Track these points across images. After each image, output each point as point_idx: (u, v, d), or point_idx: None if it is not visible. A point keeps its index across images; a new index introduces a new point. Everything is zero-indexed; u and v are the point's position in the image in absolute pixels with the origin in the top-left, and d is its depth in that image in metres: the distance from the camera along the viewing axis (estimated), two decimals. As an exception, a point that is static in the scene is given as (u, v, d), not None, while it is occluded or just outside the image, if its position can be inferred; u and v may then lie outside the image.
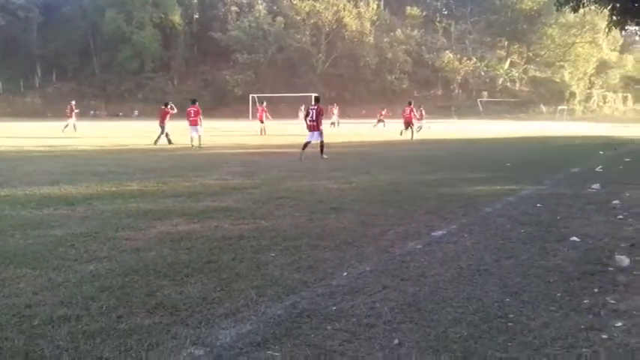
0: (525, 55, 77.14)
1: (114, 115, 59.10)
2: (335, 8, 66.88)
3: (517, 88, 72.86)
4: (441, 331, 3.16)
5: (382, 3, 76.01)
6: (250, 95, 53.72)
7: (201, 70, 69.87)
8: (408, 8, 75.20)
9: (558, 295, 3.77)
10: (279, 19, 66.88)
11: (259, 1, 69.52)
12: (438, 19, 76.92)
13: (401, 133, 24.02)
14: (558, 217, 6.38)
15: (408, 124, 23.89)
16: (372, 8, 71.02)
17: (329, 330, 3.17)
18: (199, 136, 18.30)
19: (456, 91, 70.70)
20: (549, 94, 70.65)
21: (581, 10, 18.21)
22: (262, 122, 26.12)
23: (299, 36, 66.23)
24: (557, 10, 20.03)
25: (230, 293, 3.77)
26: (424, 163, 12.82)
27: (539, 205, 7.20)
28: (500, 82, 72.05)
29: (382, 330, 3.18)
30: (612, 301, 3.66)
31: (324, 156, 14.14)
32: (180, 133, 19.54)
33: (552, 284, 3.99)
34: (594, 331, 3.17)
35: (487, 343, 3.00)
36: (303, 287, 3.91)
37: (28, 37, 66.59)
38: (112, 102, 63.96)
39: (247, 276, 4.14)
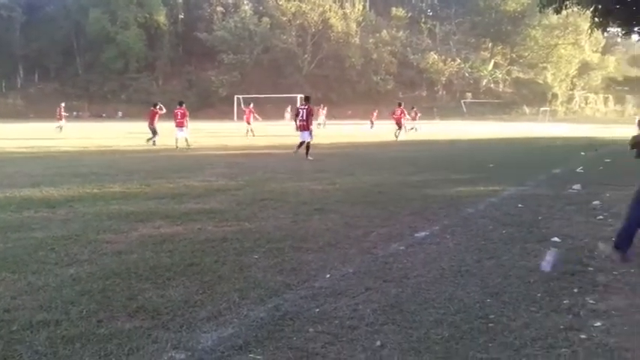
0: (509, 57, 77.88)
1: (97, 116, 58.51)
2: (321, 9, 66.98)
3: (500, 90, 73.54)
4: (422, 332, 3.18)
5: (368, 4, 76.29)
6: (235, 96, 53.52)
7: (186, 70, 69.51)
8: (394, 9, 75.59)
9: (538, 295, 3.81)
10: (265, 19, 66.79)
11: (245, 2, 69.36)
12: (423, 20, 77.41)
13: (400, 135, 24.21)
14: (539, 218, 6.45)
15: (399, 124, 24.30)
16: (358, 9, 71.27)
17: (311, 332, 3.17)
18: (186, 138, 18.33)
19: (441, 92, 71.18)
20: (532, 96, 71.45)
21: (564, 12, 18.43)
22: (249, 124, 26.05)
23: (285, 37, 66.20)
24: (540, 12, 20.27)
25: (212, 296, 3.75)
26: (408, 164, 12.88)
27: (520, 205, 7.28)
28: (484, 84, 72.67)
29: (364, 332, 3.19)
30: (591, 301, 3.71)
31: (309, 157, 14.18)
32: (166, 134, 19.42)
33: (533, 284, 4.04)
34: (574, 331, 3.21)
35: (468, 344, 3.03)
36: (285, 289, 3.91)
37: (10, 36, 65.71)
38: (95, 103, 63.31)
39: (230, 279, 4.13)
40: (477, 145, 21.36)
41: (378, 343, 3.04)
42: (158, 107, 19.73)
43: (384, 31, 70.95)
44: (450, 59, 70.56)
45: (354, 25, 69.31)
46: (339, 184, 9.52)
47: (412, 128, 29.00)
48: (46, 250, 4.91)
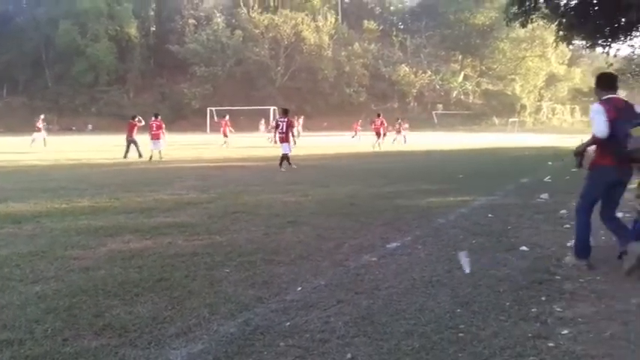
0: (478, 69, 79.39)
1: (67, 130, 57.41)
2: (293, 22, 67.29)
3: (470, 101, 74.78)
4: (393, 343, 3.19)
5: (340, 17, 77.04)
6: (208, 108, 53.27)
7: (158, 83, 68.89)
8: (365, 22, 76.44)
9: (507, 304, 3.86)
10: (238, 32, 66.77)
11: (217, 15, 69.24)
12: (394, 33, 78.44)
13: (379, 146, 24.86)
14: (509, 227, 6.55)
15: (379, 134, 24.95)
16: (330, 22, 71.84)
17: (282, 347, 3.15)
18: (159, 151, 18.31)
19: (412, 103, 72.03)
20: (501, 107, 72.88)
21: (530, 26, 18.87)
22: (226, 136, 26.04)
23: (257, 49, 66.25)
24: (507, 26, 20.71)
25: (182, 312, 3.70)
26: (381, 176, 12.96)
27: (490, 215, 7.38)
28: (454, 95, 73.82)
29: (336, 345, 3.18)
30: (559, 309, 3.77)
31: (282, 169, 14.30)
32: (142, 146, 19.21)
33: (502, 294, 4.09)
34: (541, 340, 3.25)
35: (438, 355, 3.05)
36: (257, 303, 3.88)
37: (-23, 48, 64.27)
38: (65, 116, 62.11)
39: (200, 293, 4.08)
40: (448, 156, 21.64)
41: (349, 355, 3.04)
42: (137, 120, 19.57)
43: (356, 43, 71.66)
44: (421, 71, 71.58)
45: (326, 38, 69.80)
46: (312, 195, 9.53)
47: (395, 139, 29.85)
48: (11, 266, 4.78)
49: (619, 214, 7.15)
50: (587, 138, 4.93)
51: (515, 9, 16.01)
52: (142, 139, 19.71)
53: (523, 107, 74.38)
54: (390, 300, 3.97)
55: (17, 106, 60.51)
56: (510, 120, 65.06)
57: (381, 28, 77.51)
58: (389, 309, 3.78)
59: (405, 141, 30.78)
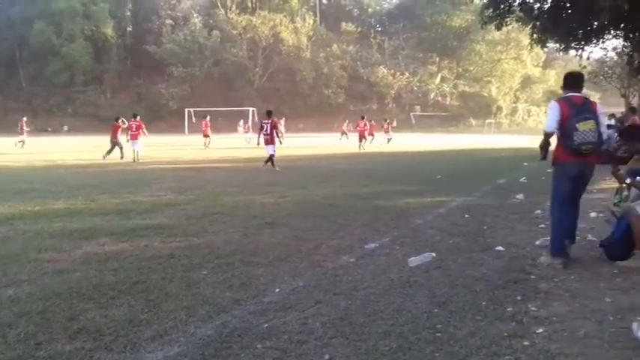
0: (455, 71, 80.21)
1: (42, 131, 56.36)
2: (272, 23, 67.14)
3: (448, 103, 75.47)
4: (371, 344, 3.20)
5: (318, 19, 77.12)
6: (186, 109, 52.85)
7: (134, 83, 68.11)
8: (344, 24, 76.65)
9: (484, 304, 3.90)
10: (216, 32, 66.37)
11: (195, 15, 68.76)
12: (373, 35, 78.79)
13: (363, 147, 25.43)
14: (485, 227, 6.63)
15: (362, 136, 25.63)
16: (309, 24, 71.88)
17: (259, 349, 3.14)
18: (137, 151, 18.29)
19: (391, 105, 72.38)
20: (478, 108, 73.73)
21: (506, 28, 19.16)
22: (207, 136, 25.99)
23: (235, 50, 65.93)
24: (482, 28, 20.98)
25: (158, 315, 3.66)
26: (360, 177, 13.01)
27: (467, 215, 7.46)
28: (432, 97, 74.42)
29: (313, 346, 3.18)
30: (534, 309, 3.82)
31: (264, 168, 14.44)
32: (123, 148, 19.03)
33: (478, 293, 4.13)
34: (517, 339, 3.29)
35: (416, 355, 3.07)
36: (234, 305, 3.86)
37: (-51, 48, 62.81)
38: (40, 117, 60.89)
39: (177, 296, 4.04)
40: (425, 157, 21.81)
41: (327, 356, 3.04)
42: (120, 121, 19.44)
43: (335, 45, 71.79)
44: (399, 73, 72.02)
45: (304, 40, 69.81)
46: (291, 196, 9.52)
47: (390, 140, 31.34)
48: (-18, 271, 4.68)
49: (592, 214, 7.32)
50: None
51: (490, 12, 16.23)
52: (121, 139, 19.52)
53: (499, 109, 75.40)
54: (368, 301, 3.98)
55: (-10, 107, 59.31)
56: (487, 121, 65.86)
57: (359, 30, 77.78)
58: (367, 309, 3.79)
59: (388, 141, 31.45)
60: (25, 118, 28.80)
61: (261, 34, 66.52)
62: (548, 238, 5.23)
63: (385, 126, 32.79)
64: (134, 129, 18.82)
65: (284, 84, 67.67)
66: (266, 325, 3.50)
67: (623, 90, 29.33)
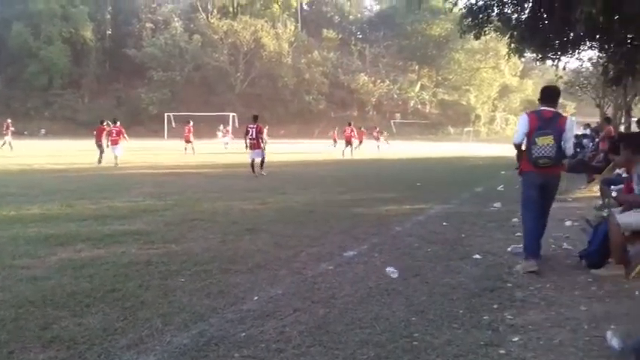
0: (435, 79, 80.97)
1: (19, 134, 55.38)
2: (253, 28, 67.08)
3: (427, 111, 76.15)
4: (349, 352, 3.20)
5: (300, 25, 77.28)
6: (166, 114, 52.42)
7: (114, 87, 67.34)
8: (325, 31, 76.92)
9: (461, 312, 3.93)
10: (196, 37, 66.07)
11: (175, 19, 68.39)
12: (353, 42, 79.28)
13: (350, 153, 25.56)
14: (463, 235, 6.69)
15: (349, 142, 25.95)
16: (290, 30, 72.01)
17: (237, 357, 3.12)
18: (117, 156, 18.24)
19: (371, 112, 72.78)
20: (457, 117, 74.55)
21: (484, 38, 19.38)
22: (190, 142, 25.85)
23: (217, 55, 65.71)
24: (461, 37, 21.24)
25: (134, 323, 3.61)
26: (339, 184, 13.04)
27: (445, 223, 7.52)
28: (411, 105, 75.02)
29: (291, 355, 3.17)
30: (510, 317, 3.86)
31: (263, 172, 14.71)
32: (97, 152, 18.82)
33: (455, 301, 4.16)
34: (493, 347, 3.32)
35: (393, 363, 3.07)
36: (212, 313, 3.83)
37: None
38: (17, 120, 59.35)
39: (153, 304, 4.00)
40: (405, 165, 21.96)
41: (305, 365, 3.03)
42: (105, 124, 19.29)
43: (316, 51, 72.02)
44: (379, 81, 72.52)
45: (286, 45, 69.88)
46: (271, 203, 9.50)
47: (386, 145, 33.31)
48: (-48, 278, 4.57)
49: (567, 223, 7.43)
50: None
51: (468, 21, 16.43)
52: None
53: (478, 117, 76.35)
54: (346, 309, 3.98)
55: (-35, 109, 58.00)
56: (465, 129, 66.61)
57: (340, 37, 78.15)
58: (345, 318, 3.79)
59: (378, 149, 32.54)
60: (9, 120, 28.56)
61: (242, 39, 66.42)
62: (520, 245, 5.40)
63: (375, 133, 33.93)
64: (114, 134, 18.77)
65: (265, 89, 67.59)
66: (244, 333, 3.48)
67: (598, 100, 29.91)
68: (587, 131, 19.59)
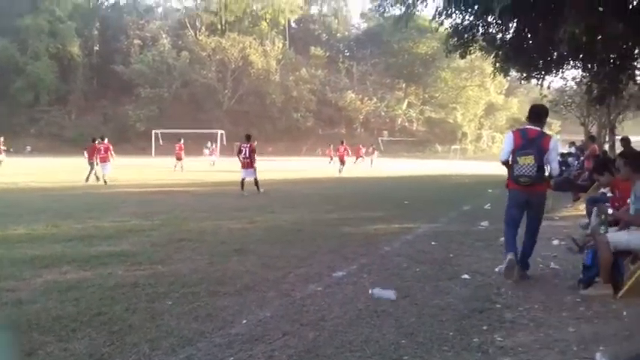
0: (421, 97, 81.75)
1: (4, 151, 54.84)
2: (241, 45, 67.45)
3: (415, 128, 76.73)
4: (338, 377, 3.18)
5: (287, 42, 77.84)
6: (153, 131, 52.31)
7: (101, 104, 67.11)
8: (312, 48, 77.56)
9: (450, 334, 3.92)
10: (184, 53, 66.25)
11: (164, 36, 68.57)
12: (341, 60, 79.95)
13: (339, 171, 25.99)
14: (451, 255, 6.70)
15: (342, 161, 26.68)
16: (278, 47, 72.47)
17: (225, 383, 3.08)
18: (105, 174, 18.18)
19: (359, 129, 73.19)
20: (444, 134, 75.21)
21: (470, 57, 19.65)
22: (180, 159, 25.93)
23: (205, 72, 65.89)
24: (447, 57, 21.52)
25: (121, 348, 3.56)
26: (327, 202, 13.04)
27: (433, 243, 7.53)
28: (399, 122, 75.57)
29: (280, 380, 3.14)
30: (499, 339, 3.86)
31: (261, 190, 14.77)
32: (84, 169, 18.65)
33: (445, 323, 4.16)
34: (482, 369, 3.32)
35: (383, 388, 3.05)
36: (200, 338, 3.78)
37: None
38: (3, 136, 59.28)
39: (141, 328, 3.94)
40: (393, 182, 22.03)
41: (294, 391, 3.00)
42: (97, 142, 19.25)
43: (304, 69, 72.49)
44: (366, 98, 73.07)
45: (274, 63, 70.29)
46: (259, 222, 9.46)
47: (371, 161, 34.12)
48: None
49: (555, 242, 7.48)
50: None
51: (454, 41, 16.65)
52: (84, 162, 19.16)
53: (464, 135, 77.06)
54: (336, 331, 3.96)
55: (-52, 126, 57.37)
56: (452, 147, 67.17)
57: (327, 54, 78.82)
58: (334, 341, 3.76)
59: (371, 164, 34.03)
60: (2, 138, 28.37)
61: (230, 56, 66.72)
62: (505, 266, 5.44)
63: (370, 150, 35.97)
64: (102, 151, 18.68)
65: (253, 106, 67.77)
66: (232, 358, 3.44)
67: (583, 119, 30.33)
68: (573, 149, 19.83)
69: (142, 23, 71.32)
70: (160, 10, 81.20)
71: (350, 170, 27.96)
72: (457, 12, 14.18)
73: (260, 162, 15.67)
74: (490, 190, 16.21)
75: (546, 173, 5.45)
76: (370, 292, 4.91)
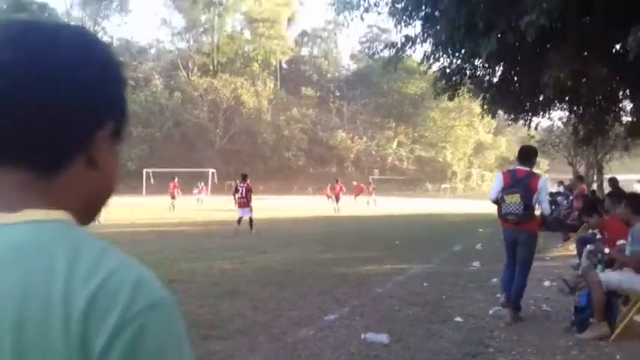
0: (411, 136, 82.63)
1: None
2: (233, 86, 68.25)
3: (405, 167, 77.27)
4: None
5: (279, 83, 78.93)
6: (144, 170, 52.28)
7: (91, 143, 67.20)
8: (303, 89, 78.65)
9: (444, 379, 3.90)
10: (177, 94, 66.86)
11: (156, 76, 69.29)
12: (332, 100, 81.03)
13: (336, 210, 26.33)
14: (443, 297, 6.68)
15: (338, 198, 27.08)
16: (269, 87, 73.41)
17: None
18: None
19: (350, 168, 73.59)
20: (434, 173, 75.74)
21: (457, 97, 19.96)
22: (174, 198, 26.00)
23: (197, 111, 66.39)
24: (436, 99, 21.87)
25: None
26: (318, 242, 13.00)
27: (425, 284, 7.52)
28: (389, 161, 76.15)
29: None
30: (492, 383, 3.84)
31: (253, 231, 14.78)
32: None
33: (438, 368, 4.13)
34: (477, 415, 3.29)
35: None
36: (191, 384, 3.72)
37: None
38: None
39: (130, 374, 3.87)
40: (384, 221, 22.04)
41: None
42: None
43: (295, 109, 73.31)
44: (357, 137, 73.77)
45: (265, 103, 71.04)
46: (250, 262, 9.42)
47: (372, 201, 34.12)
48: None
49: (546, 283, 7.50)
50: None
51: (442, 84, 16.95)
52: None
53: (454, 174, 77.65)
54: (329, 377, 3.92)
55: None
56: (442, 186, 67.52)
57: (318, 94, 79.82)
58: (327, 387, 3.73)
59: (368, 204, 34.04)
60: None
61: (222, 96, 67.41)
62: (500, 308, 5.49)
63: (370, 189, 36.35)
64: None
65: (245, 146, 68.13)
66: (223, 406, 3.39)
67: (570, 158, 30.73)
68: (561, 188, 20.02)
69: (134, 64, 72.09)
70: (152, 51, 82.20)
71: (348, 208, 28.06)
72: (445, 55, 14.49)
73: (253, 201, 15.72)
74: (480, 230, 16.26)
75: (537, 212, 5.61)
76: (363, 336, 4.87)
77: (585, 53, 10.27)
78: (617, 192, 8.85)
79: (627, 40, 6.61)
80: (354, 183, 38.62)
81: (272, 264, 9.31)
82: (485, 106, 17.94)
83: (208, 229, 16.18)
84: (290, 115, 71.60)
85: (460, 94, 18.02)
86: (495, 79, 16.14)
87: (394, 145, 78.34)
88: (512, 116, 18.73)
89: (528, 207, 5.35)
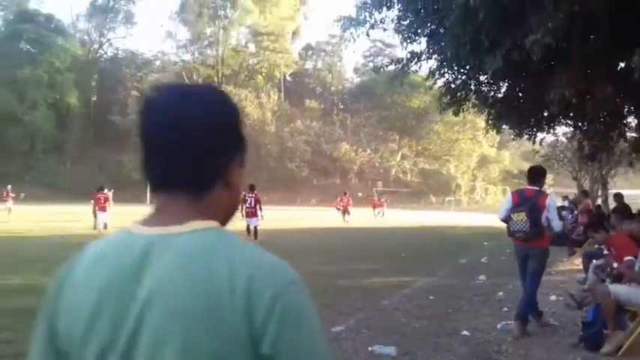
0: (415, 149, 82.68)
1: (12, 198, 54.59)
2: (237, 98, 68.48)
3: (409, 179, 77.21)
4: None
5: (283, 95, 79.27)
6: (148, 180, 52.39)
7: (97, 153, 67.47)
8: (307, 101, 78.96)
9: (452, 392, 3.94)
10: (181, 105, 67.17)
11: (161, 87, 69.69)
12: (335, 112, 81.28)
13: (346, 221, 27.02)
14: (449, 310, 6.72)
15: (346, 211, 27.89)
16: (273, 99, 73.79)
17: None
18: (105, 223, 18.57)
19: (353, 180, 73.59)
20: (438, 185, 75.63)
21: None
22: None
23: (201, 122, 66.69)
24: (441, 113, 21.95)
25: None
26: (324, 253, 13.03)
27: (431, 297, 7.56)
28: (393, 173, 76.12)
29: None
30: (500, 397, 3.87)
31: (257, 240, 14.92)
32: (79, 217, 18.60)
33: (446, 381, 4.17)
34: None
35: None
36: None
37: None
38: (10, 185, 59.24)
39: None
40: (389, 233, 22.05)
41: None
42: (100, 191, 19.55)
43: (299, 121, 73.58)
44: (361, 149, 73.90)
45: (269, 114, 71.37)
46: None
47: (380, 213, 34.93)
48: None
49: (552, 298, 7.52)
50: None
51: (447, 99, 17.00)
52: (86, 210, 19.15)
53: (458, 187, 77.51)
54: (338, 389, 3.95)
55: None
56: (447, 199, 67.49)
57: (322, 107, 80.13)
58: (337, 399, 3.76)
59: (382, 214, 34.91)
60: (9, 186, 30.40)
61: (226, 107, 67.69)
62: (510, 322, 5.55)
63: (382, 200, 37.54)
64: (102, 201, 19.13)
65: (249, 157, 62.71)
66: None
67: (575, 173, 30.70)
68: (566, 203, 20.04)
69: (139, 75, 72.63)
70: (157, 63, 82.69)
71: (356, 220, 28.19)
72: (450, 71, 14.58)
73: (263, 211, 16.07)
74: (486, 243, 16.27)
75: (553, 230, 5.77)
76: (370, 348, 4.91)
77: (590, 72, 10.34)
78: (623, 208, 8.90)
79: (632, 59, 6.69)
80: (360, 194, 38.85)
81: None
82: (490, 122, 17.98)
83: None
84: (294, 127, 71.84)
85: (465, 109, 18.10)
86: (500, 95, 16.21)
87: (398, 157, 78.37)
88: (516, 131, 18.76)
89: (536, 224, 5.45)
